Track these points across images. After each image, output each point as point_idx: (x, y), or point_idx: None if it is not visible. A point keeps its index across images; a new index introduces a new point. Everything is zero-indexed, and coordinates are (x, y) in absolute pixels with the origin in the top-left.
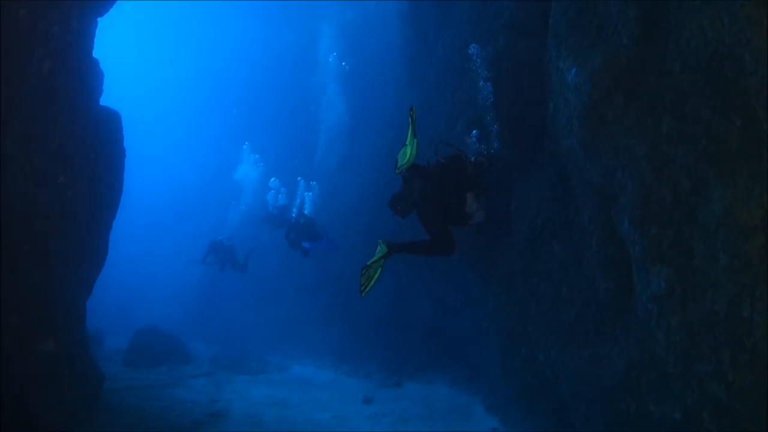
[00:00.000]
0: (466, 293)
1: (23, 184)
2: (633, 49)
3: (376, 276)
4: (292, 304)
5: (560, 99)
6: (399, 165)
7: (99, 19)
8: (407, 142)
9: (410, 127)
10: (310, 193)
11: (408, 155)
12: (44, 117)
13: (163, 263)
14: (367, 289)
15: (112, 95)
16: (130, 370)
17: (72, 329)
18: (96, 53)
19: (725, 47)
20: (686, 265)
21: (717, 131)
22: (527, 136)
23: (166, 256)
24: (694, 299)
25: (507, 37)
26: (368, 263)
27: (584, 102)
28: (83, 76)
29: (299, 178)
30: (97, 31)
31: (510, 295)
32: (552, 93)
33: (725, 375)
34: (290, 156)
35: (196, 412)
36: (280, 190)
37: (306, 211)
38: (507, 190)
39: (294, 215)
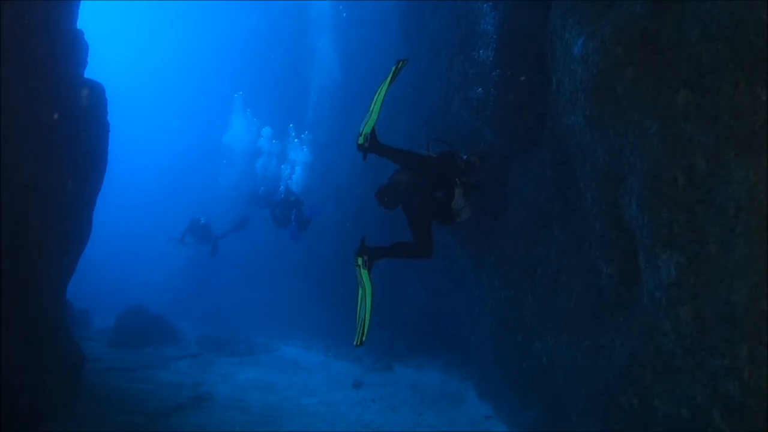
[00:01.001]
0: (458, 277)
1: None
2: (647, 17)
3: (368, 307)
4: (282, 284)
5: (565, 72)
6: (361, 133)
7: None
8: (371, 106)
9: (385, 83)
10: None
11: (367, 121)
12: (23, 89)
13: (154, 243)
14: (365, 334)
15: (96, 69)
16: (116, 350)
17: (50, 308)
18: (80, 26)
19: (752, 13)
20: (700, 251)
21: (740, 107)
22: (526, 115)
23: (156, 235)
24: (707, 288)
25: (507, 7)
26: (357, 305)
27: (592, 74)
28: (66, 47)
29: (291, 126)
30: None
31: (504, 280)
32: (555, 66)
33: (740, 371)
34: (283, 113)
35: (179, 395)
36: (271, 154)
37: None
38: (502, 172)
39: (282, 192)
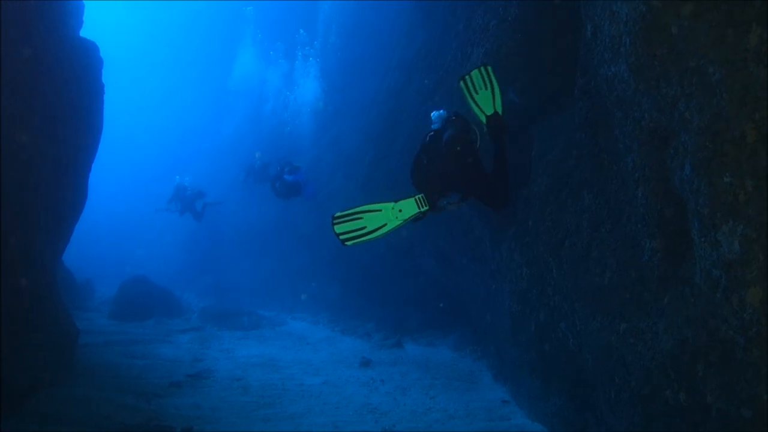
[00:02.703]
0: (474, 249)
1: None
2: None
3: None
4: (288, 256)
5: (604, 16)
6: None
7: None
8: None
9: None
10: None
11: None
12: (10, 44)
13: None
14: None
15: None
16: (116, 322)
17: (38, 280)
18: None
19: None
20: None
21: None
22: (554, 71)
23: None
24: None
25: None
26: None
27: (641, 13)
28: (60, 3)
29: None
30: None
31: (526, 254)
32: (592, 11)
33: None
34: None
35: (176, 372)
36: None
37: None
38: (525, 134)
39: (280, 164)
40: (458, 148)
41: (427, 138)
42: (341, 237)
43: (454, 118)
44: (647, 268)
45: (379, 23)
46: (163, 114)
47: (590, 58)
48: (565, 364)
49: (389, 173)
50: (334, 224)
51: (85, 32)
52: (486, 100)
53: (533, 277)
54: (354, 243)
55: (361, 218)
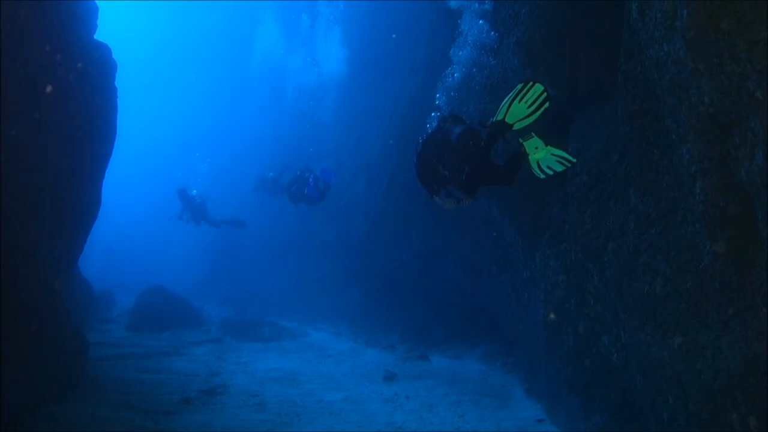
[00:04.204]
0: (504, 256)
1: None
2: None
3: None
4: (309, 265)
5: None
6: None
7: None
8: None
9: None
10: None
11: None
12: (28, 47)
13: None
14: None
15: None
16: (132, 334)
17: (43, 290)
18: None
19: None
20: None
21: None
22: (594, 58)
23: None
24: None
25: None
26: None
27: None
28: (74, 6)
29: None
30: None
31: (563, 260)
32: None
33: None
34: None
35: (189, 388)
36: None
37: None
38: (561, 131)
39: (298, 171)
40: (471, 142)
41: (429, 142)
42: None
43: (450, 119)
44: (707, 274)
45: (398, 22)
46: (179, 118)
47: (636, 40)
48: (608, 381)
49: (414, 178)
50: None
51: (97, 33)
52: (519, 112)
53: (571, 286)
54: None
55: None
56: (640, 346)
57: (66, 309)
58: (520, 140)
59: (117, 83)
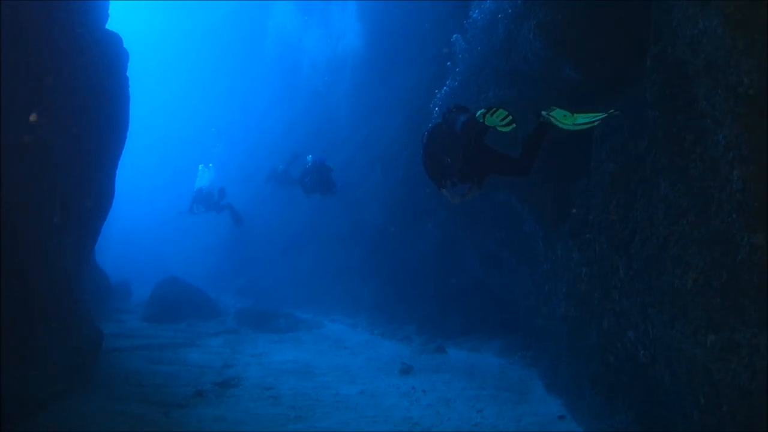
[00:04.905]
0: (523, 247)
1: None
2: None
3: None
4: (325, 256)
5: None
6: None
7: None
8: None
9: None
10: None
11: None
12: (38, 35)
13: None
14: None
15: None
16: (148, 325)
17: (53, 282)
18: None
19: None
20: None
21: None
22: (617, 39)
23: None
24: None
25: None
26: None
27: None
28: None
29: None
30: None
31: (586, 252)
32: None
33: None
34: None
35: (202, 380)
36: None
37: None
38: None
39: (309, 161)
40: (477, 129)
41: (434, 132)
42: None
43: (454, 109)
44: (744, 267)
45: (411, 14)
46: (193, 107)
47: (668, 20)
48: (633, 378)
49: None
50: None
51: (108, 23)
52: (561, 115)
53: (595, 279)
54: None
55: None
56: (670, 342)
57: (80, 301)
58: (544, 113)
59: (129, 73)
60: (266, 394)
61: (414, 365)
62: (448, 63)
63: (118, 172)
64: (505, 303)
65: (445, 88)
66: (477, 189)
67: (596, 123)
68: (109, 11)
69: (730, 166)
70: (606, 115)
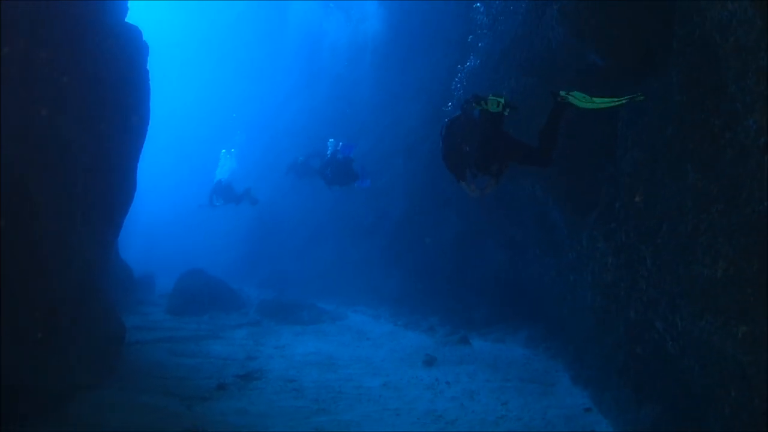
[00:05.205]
0: (548, 237)
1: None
2: None
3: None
4: (347, 246)
5: None
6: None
7: None
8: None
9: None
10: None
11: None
12: (58, 28)
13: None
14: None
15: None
16: (171, 317)
17: (77, 277)
18: None
19: None
20: None
21: None
22: (642, 23)
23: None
24: None
25: None
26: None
27: None
28: None
29: None
30: None
31: (613, 241)
32: None
33: None
34: None
35: (225, 372)
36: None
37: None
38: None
39: (330, 152)
40: (494, 115)
41: (453, 124)
42: None
43: (472, 98)
44: None
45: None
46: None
47: (695, 1)
48: (661, 370)
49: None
50: None
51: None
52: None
53: (621, 269)
54: None
55: None
56: (699, 334)
57: (103, 294)
58: (562, 93)
59: (150, 69)
60: (289, 386)
61: (437, 357)
62: (470, 37)
63: (141, 166)
64: (529, 293)
65: (468, 63)
66: (495, 182)
67: (616, 104)
68: (128, 5)
69: (762, 152)
70: (629, 98)
